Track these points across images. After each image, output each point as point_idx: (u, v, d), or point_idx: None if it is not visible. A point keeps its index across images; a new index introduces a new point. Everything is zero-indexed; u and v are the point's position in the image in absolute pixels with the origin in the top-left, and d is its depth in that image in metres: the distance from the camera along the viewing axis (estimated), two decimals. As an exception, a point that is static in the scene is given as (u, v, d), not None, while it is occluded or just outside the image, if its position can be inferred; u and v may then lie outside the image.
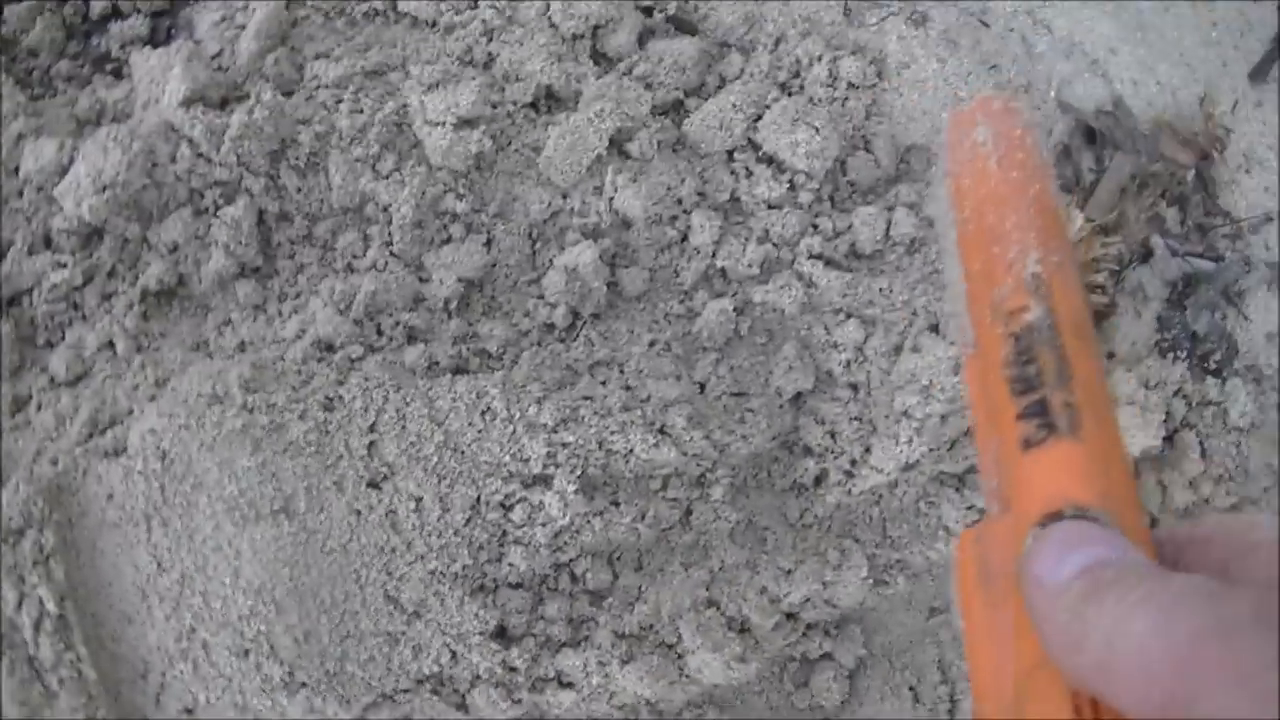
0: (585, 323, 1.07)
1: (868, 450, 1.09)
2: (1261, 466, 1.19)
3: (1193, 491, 1.15)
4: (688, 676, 1.05)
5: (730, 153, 1.10)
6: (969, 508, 1.11)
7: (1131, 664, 0.35)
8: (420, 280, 1.06)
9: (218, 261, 1.03)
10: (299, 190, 1.05)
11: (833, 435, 1.10)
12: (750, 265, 1.07)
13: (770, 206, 1.09)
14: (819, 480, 1.11)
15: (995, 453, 0.47)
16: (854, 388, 1.09)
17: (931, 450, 1.08)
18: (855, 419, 1.09)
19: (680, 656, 1.05)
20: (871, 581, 1.10)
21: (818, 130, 1.06)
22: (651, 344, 1.07)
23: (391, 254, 1.05)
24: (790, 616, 1.09)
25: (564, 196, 1.07)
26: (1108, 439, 0.46)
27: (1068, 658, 0.38)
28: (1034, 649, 0.41)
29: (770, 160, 1.09)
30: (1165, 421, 1.15)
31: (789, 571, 1.08)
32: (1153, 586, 0.37)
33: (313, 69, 1.08)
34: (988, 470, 0.47)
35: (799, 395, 1.10)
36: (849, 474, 1.10)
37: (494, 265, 1.07)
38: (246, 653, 0.95)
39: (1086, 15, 1.18)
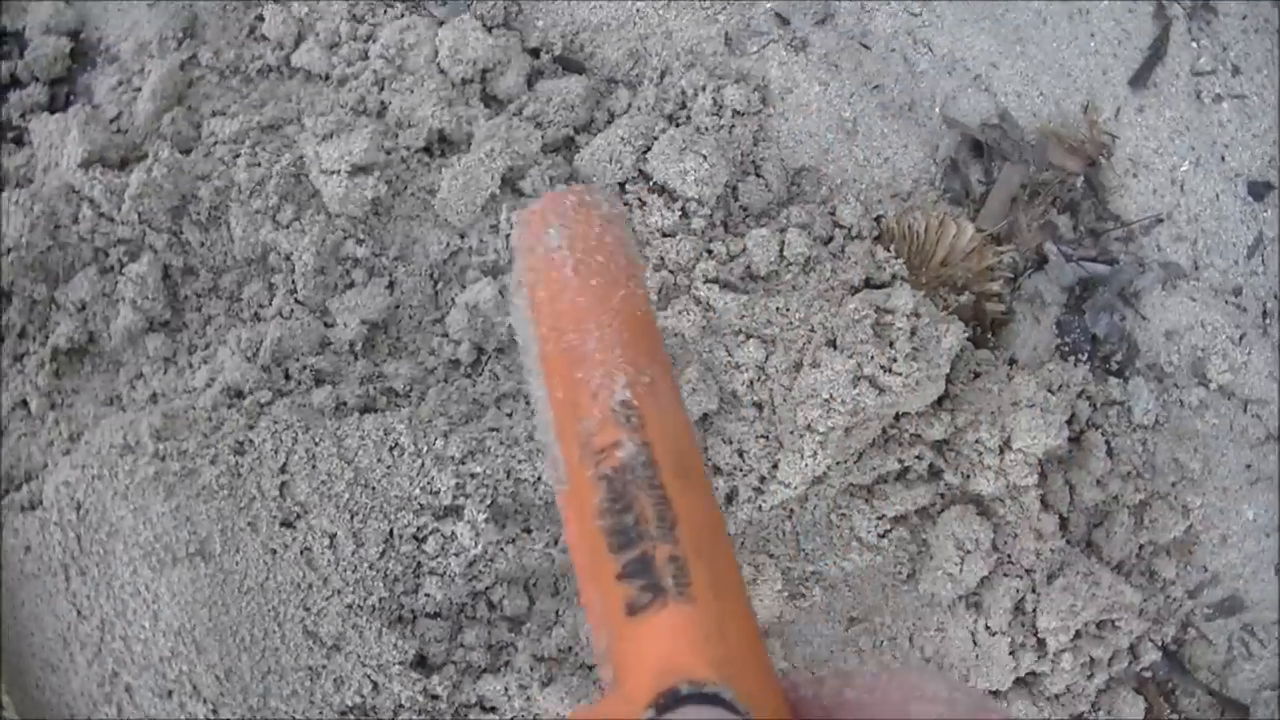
0: (490, 357, 1.20)
1: (775, 466, 1.22)
2: (1168, 461, 1.32)
3: (1100, 490, 1.29)
4: (608, 697, 1.17)
5: (622, 184, 1.23)
6: (879, 517, 1.24)
7: None
8: (326, 325, 1.19)
9: (126, 317, 1.16)
10: (202, 244, 1.18)
11: (740, 454, 1.22)
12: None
13: (664, 235, 1.22)
14: (730, 498, 1.24)
15: (599, 612, 0.44)
16: (758, 406, 1.22)
17: (838, 463, 1.21)
18: (761, 436, 1.22)
19: (599, 678, 1.17)
20: (787, 594, 1.22)
21: (705, 158, 1.20)
22: (556, 374, 1.20)
23: (296, 301, 1.18)
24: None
25: (462, 236, 1.21)
26: (724, 593, 0.43)
27: None
28: None
29: (661, 190, 1.23)
30: (1070, 423, 1.29)
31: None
32: None
33: (210, 126, 1.21)
34: (596, 628, 0.44)
35: (705, 416, 1.23)
36: (758, 490, 1.23)
37: (397, 307, 1.20)
38: (170, 693, 1.07)
39: (966, 33, 1.33)
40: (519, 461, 1.13)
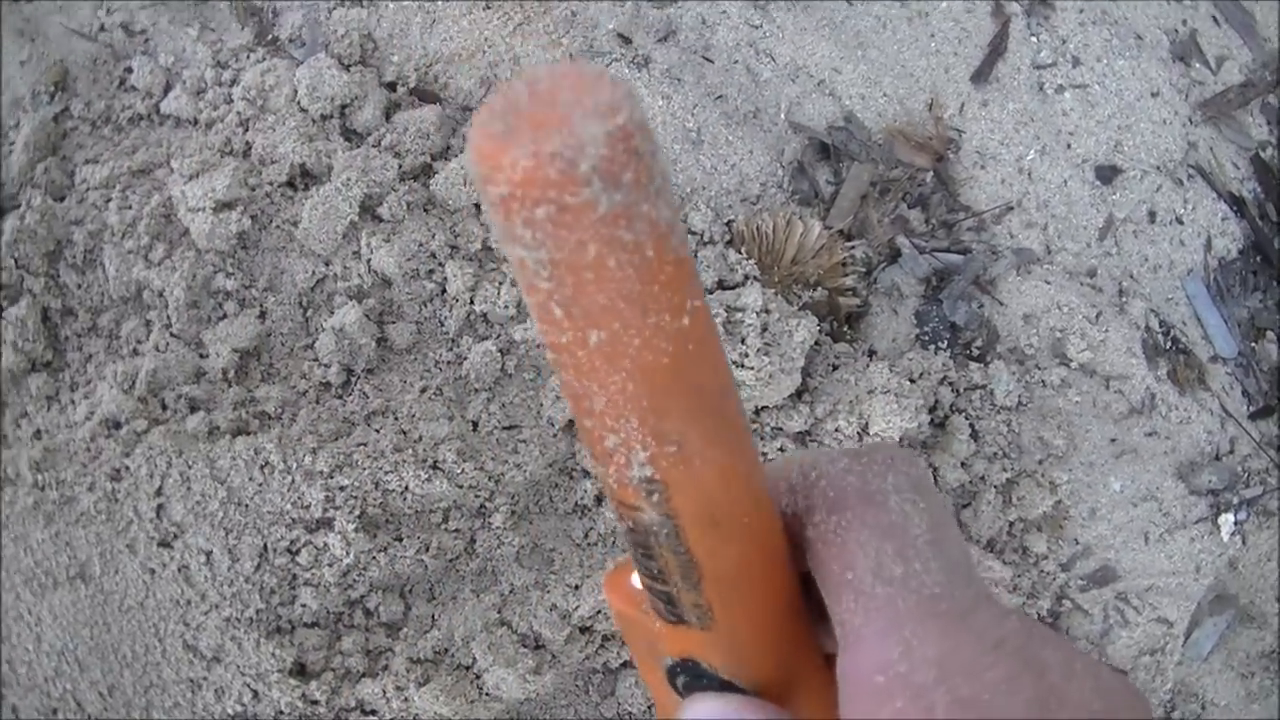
0: (359, 378, 1.29)
1: (640, 464, 1.29)
2: (1033, 440, 1.40)
3: (965, 471, 1.36)
4: (487, 694, 1.24)
5: (477, 205, 1.32)
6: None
7: None
8: (200, 355, 1.27)
9: (8, 359, 1.25)
10: (79, 286, 1.27)
11: (607, 455, 1.30)
12: (507, 307, 1.29)
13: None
14: (599, 499, 1.31)
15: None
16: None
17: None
18: (626, 437, 1.30)
19: (477, 676, 1.24)
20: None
21: (555, 174, 1.29)
22: (423, 390, 1.29)
23: (171, 334, 1.27)
24: (585, 630, 1.29)
25: (326, 264, 1.29)
26: (751, 624, 0.45)
27: None
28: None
29: (515, 207, 1.31)
30: (934, 409, 1.36)
31: (576, 587, 1.28)
32: None
33: (82, 174, 1.30)
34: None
35: (570, 422, 1.30)
36: (625, 489, 1.30)
37: (269, 334, 1.28)
38: (55, 711, 1.14)
39: (807, 41, 1.42)
40: (386, 473, 1.21)
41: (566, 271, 0.34)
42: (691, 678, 0.46)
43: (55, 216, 1.26)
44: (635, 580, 0.46)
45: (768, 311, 1.27)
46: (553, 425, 1.29)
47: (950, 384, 1.39)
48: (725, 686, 0.46)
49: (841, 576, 0.42)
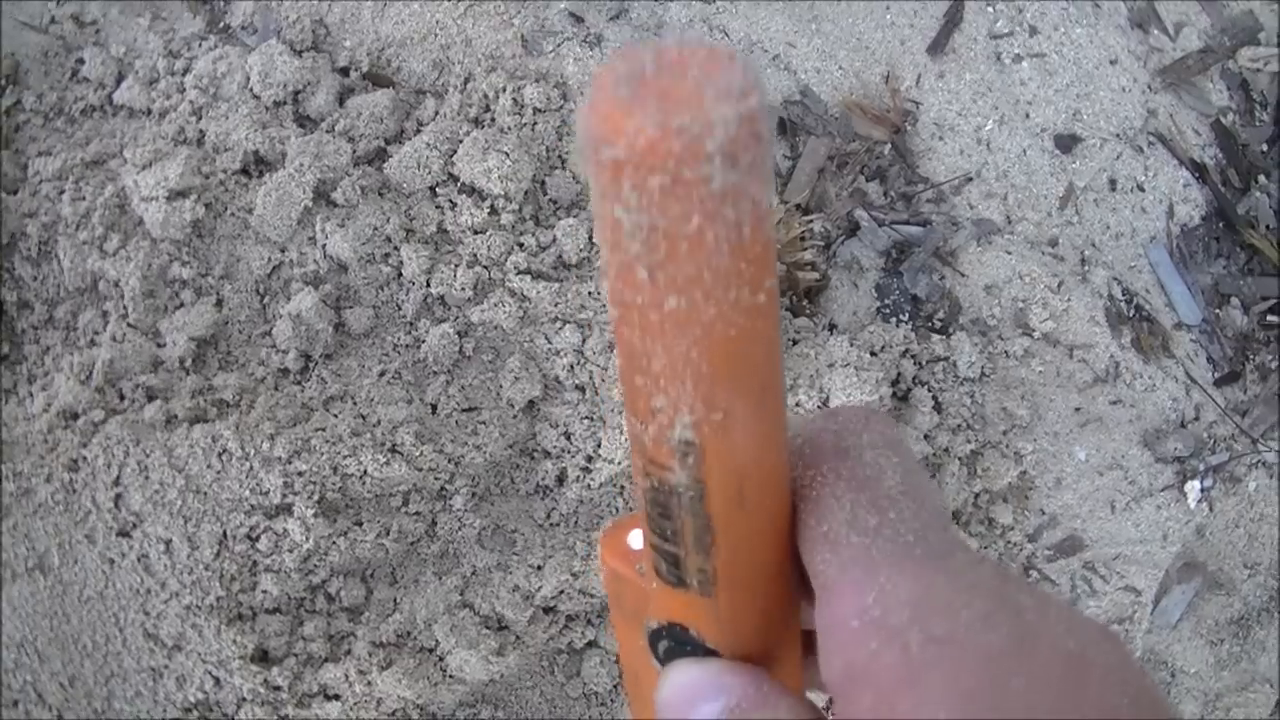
0: (317, 364, 1.29)
1: (599, 445, 1.30)
2: (997, 411, 1.40)
3: (929, 443, 1.36)
4: (451, 676, 1.25)
5: (432, 188, 1.32)
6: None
7: None
8: (157, 345, 1.28)
9: (-37, 353, 1.25)
10: (34, 278, 1.28)
11: (567, 435, 1.31)
12: (464, 289, 1.29)
13: (475, 232, 1.31)
14: (560, 479, 1.32)
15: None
16: (580, 389, 1.31)
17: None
18: (586, 418, 1.30)
19: (440, 658, 1.25)
20: (622, 566, 1.30)
21: (508, 155, 1.29)
22: (382, 374, 1.30)
23: (128, 325, 1.27)
24: (549, 611, 1.30)
25: (282, 250, 1.30)
26: (750, 603, 0.46)
27: None
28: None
29: (470, 189, 1.32)
30: (897, 382, 1.37)
31: (539, 567, 1.29)
32: None
33: (35, 166, 1.30)
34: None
35: (531, 403, 1.31)
36: (586, 469, 1.31)
37: (226, 323, 1.29)
38: (15, 703, 1.15)
39: (761, 15, 1.42)
40: (344, 457, 1.22)
41: (663, 238, 0.34)
42: (675, 644, 0.47)
43: (8, 210, 1.27)
44: (633, 539, 0.47)
45: (725, 288, 1.28)
46: (512, 406, 1.30)
47: (912, 357, 1.39)
48: (707, 654, 0.47)
49: (817, 530, 0.43)
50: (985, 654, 0.38)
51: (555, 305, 1.30)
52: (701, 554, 0.44)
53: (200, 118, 1.33)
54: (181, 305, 1.28)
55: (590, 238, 1.31)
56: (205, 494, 1.20)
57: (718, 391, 0.39)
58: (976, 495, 1.41)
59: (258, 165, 1.33)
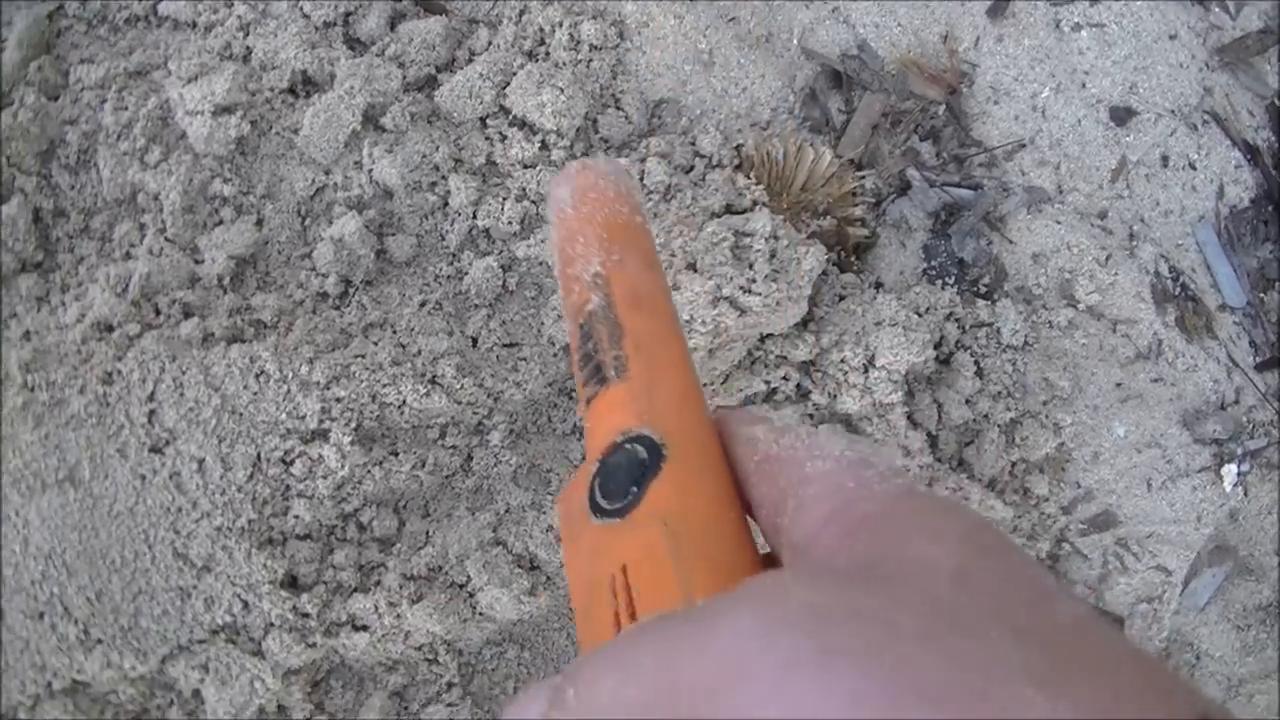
0: (357, 289, 1.28)
1: (641, 388, 1.29)
2: (1038, 381, 1.40)
3: (969, 409, 1.36)
4: (480, 614, 1.24)
5: (483, 119, 1.31)
6: (748, 438, 1.31)
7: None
8: (195, 261, 1.26)
9: (-3, 259, 1.23)
10: (72, 187, 1.26)
11: (608, 378, 1.30)
12: (510, 223, 1.28)
13: (525, 166, 1.30)
14: (598, 422, 1.31)
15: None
16: (623, 331, 1.29)
17: (705, 385, 1.29)
18: (628, 361, 1.29)
19: (471, 595, 1.24)
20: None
21: (563, 91, 1.28)
22: (423, 304, 1.28)
23: (166, 239, 1.25)
24: (581, 554, 1.28)
25: (326, 173, 1.28)
26: (655, 369, 0.59)
27: None
28: (595, 577, 0.52)
29: (521, 123, 1.30)
30: (939, 345, 1.36)
31: (574, 509, 1.28)
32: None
33: (77, 73, 1.28)
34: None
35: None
36: (625, 413, 1.30)
37: (266, 243, 1.27)
38: (41, 615, 1.13)
39: (823, -33, 1.41)
40: (383, 386, 1.20)
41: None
42: (608, 467, 0.56)
43: (49, 115, 1.25)
44: (581, 497, 0.56)
45: (776, 238, 1.27)
46: (553, 345, 1.29)
47: (956, 320, 1.38)
48: (636, 441, 0.55)
49: (784, 489, 0.49)
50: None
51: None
52: (615, 346, 0.61)
53: (248, 34, 1.31)
54: (221, 223, 1.26)
55: (641, 179, 1.30)
56: (241, 415, 1.19)
57: (613, 247, 0.66)
58: (1013, 464, 1.40)
59: (305, 85, 1.31)
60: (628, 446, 0.55)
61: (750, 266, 1.25)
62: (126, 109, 1.26)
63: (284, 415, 1.19)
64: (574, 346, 0.65)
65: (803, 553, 0.45)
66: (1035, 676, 0.35)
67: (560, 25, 1.33)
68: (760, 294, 1.24)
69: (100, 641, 1.14)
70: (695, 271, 1.26)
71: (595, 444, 0.58)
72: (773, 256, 1.26)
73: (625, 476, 0.54)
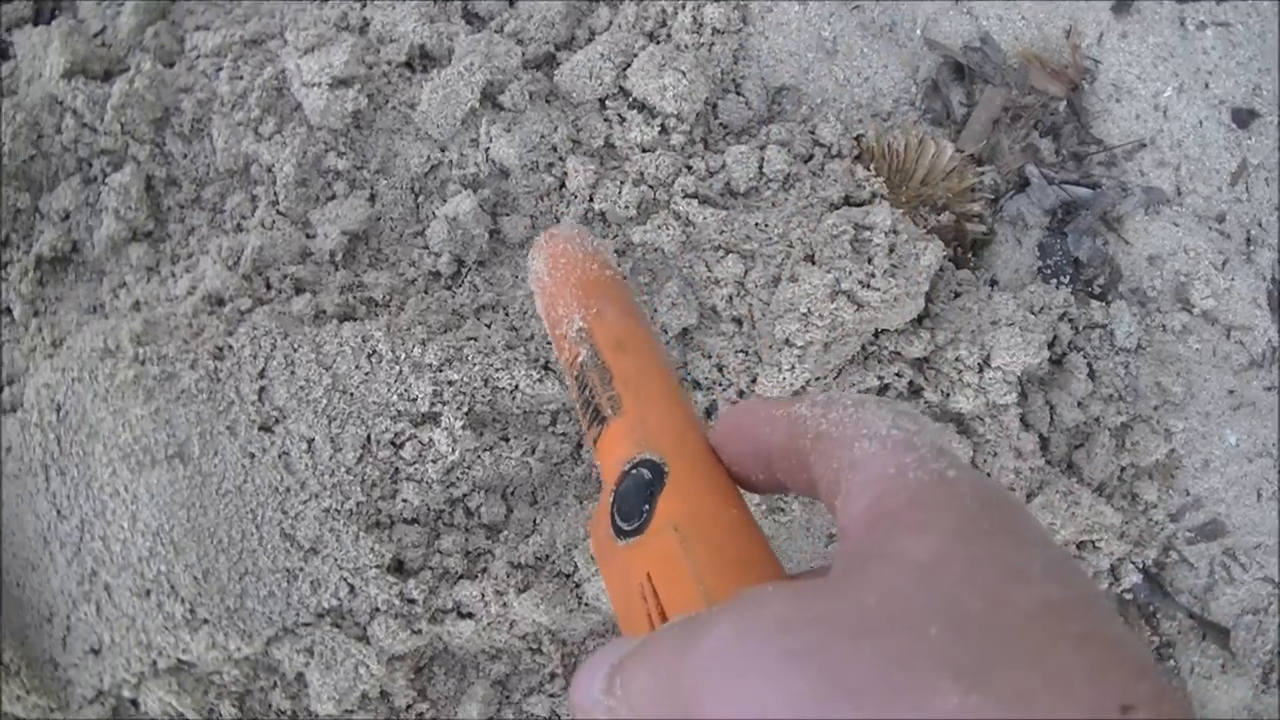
0: (470, 270, 1.23)
1: (754, 381, 1.24)
2: (1150, 385, 1.35)
3: (1081, 411, 1.31)
4: (586, 604, 1.20)
5: (602, 100, 1.26)
6: (858, 435, 1.26)
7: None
8: (307, 236, 1.22)
9: (109, 227, 1.19)
10: (185, 156, 1.22)
11: (720, 368, 1.25)
12: (628, 207, 1.23)
13: (644, 150, 1.25)
14: (709, 413, 1.27)
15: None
16: (737, 321, 1.25)
17: (817, 379, 1.24)
18: (741, 351, 1.25)
19: (577, 585, 1.20)
20: (766, 509, 1.25)
21: (685, 74, 1.23)
22: (535, 288, 1.24)
23: (278, 212, 1.22)
24: (687, 547, 1.24)
25: (442, 150, 1.24)
26: (645, 401, 0.66)
27: None
28: (629, 589, 0.56)
29: (641, 106, 1.26)
30: (1052, 345, 1.31)
31: (682, 502, 1.24)
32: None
33: (192, 40, 1.24)
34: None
35: (685, 331, 1.26)
36: (735, 404, 1.25)
37: (378, 219, 1.23)
38: (148, 592, 1.10)
39: (948, -44, 1.36)
40: (496, 370, 1.16)
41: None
42: (622, 492, 0.60)
43: (164, 83, 1.21)
44: (605, 525, 0.60)
45: (896, 232, 1.22)
46: (666, 332, 1.25)
47: (1070, 321, 1.34)
48: (641, 466, 0.60)
49: (837, 472, 0.49)
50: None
51: (720, 233, 1.24)
52: (608, 388, 0.68)
53: (365, 5, 1.27)
54: (334, 197, 1.22)
55: (760, 168, 1.25)
56: (352, 395, 1.15)
57: (590, 300, 0.77)
58: (1123, 469, 1.36)
59: (422, 59, 1.27)
60: (634, 472, 0.60)
61: (869, 261, 1.21)
62: (242, 78, 1.22)
63: (395, 397, 1.15)
64: (574, 397, 0.74)
65: (839, 542, 0.47)
66: (957, 668, 0.36)
67: (683, 7, 1.28)
68: (879, 289, 1.19)
69: (206, 621, 1.11)
70: (814, 264, 1.22)
71: (608, 477, 0.63)
72: (892, 251, 1.22)
73: (636, 498, 0.59)
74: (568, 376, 0.76)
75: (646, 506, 0.58)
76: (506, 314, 1.22)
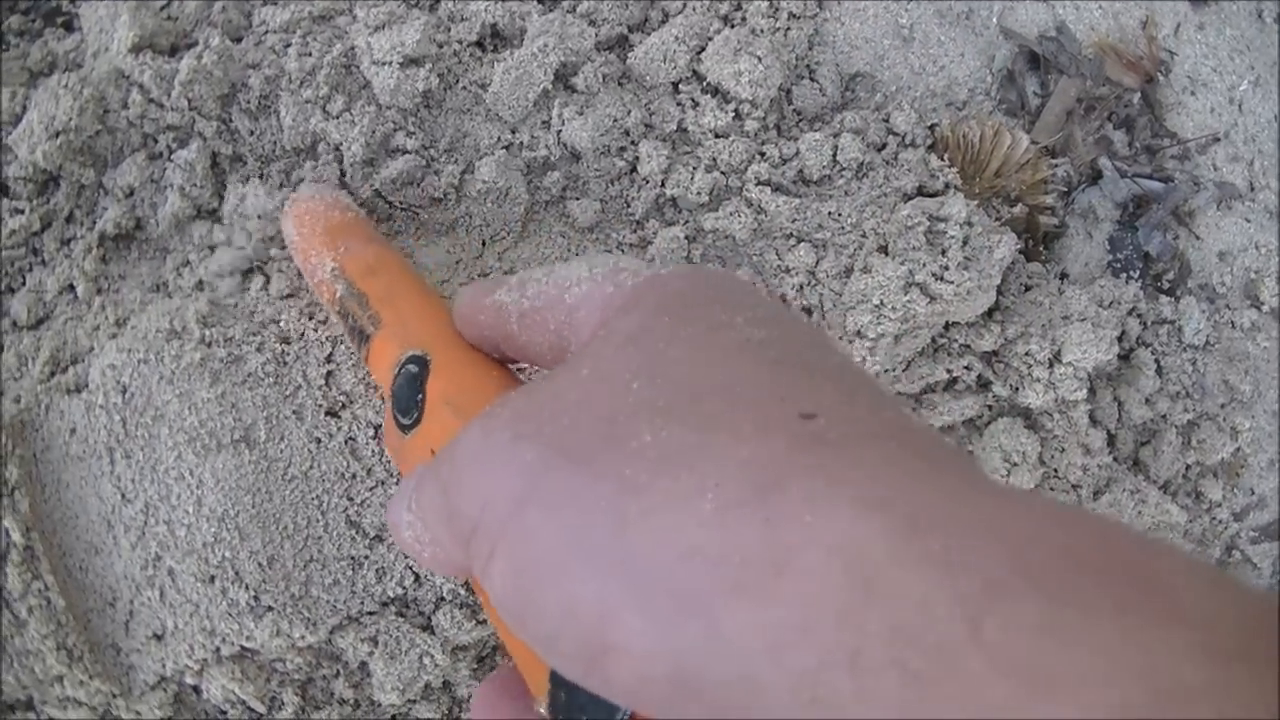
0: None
1: (822, 373, 1.16)
2: (1217, 383, 1.27)
3: (1149, 408, 1.23)
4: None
5: (675, 84, 1.18)
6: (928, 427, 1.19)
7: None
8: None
9: (174, 204, 1.11)
10: (251, 133, 1.13)
11: (788, 360, 1.17)
12: (700, 193, 1.15)
13: (717, 135, 1.17)
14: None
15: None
16: (808, 310, 1.17)
17: (887, 370, 1.16)
18: (809, 343, 1.17)
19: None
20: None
21: (760, 60, 1.15)
22: (604, 274, 1.15)
23: (346, 192, 1.13)
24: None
25: (513, 131, 1.15)
26: (404, 310, 0.71)
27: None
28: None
29: (715, 90, 1.17)
30: (1120, 340, 1.23)
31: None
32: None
33: (260, 15, 1.16)
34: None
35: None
36: (805, 396, 1.17)
37: (446, 202, 1.15)
38: (212, 579, 1.02)
39: (1025, -57, 1.27)
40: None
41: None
42: (395, 391, 0.66)
43: (231, 58, 1.12)
44: (392, 429, 0.67)
45: (970, 224, 1.14)
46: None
47: (1139, 316, 1.26)
48: (410, 362, 0.65)
49: (557, 329, 0.52)
50: None
51: (792, 221, 1.16)
52: (366, 308, 0.73)
53: (436, -17, 1.18)
54: (402, 178, 1.14)
55: (834, 156, 1.17)
56: (420, 381, 1.07)
57: (336, 242, 0.85)
58: (1188, 467, 1.28)
59: (493, 39, 1.18)
60: (402, 370, 0.63)
61: (944, 253, 1.13)
62: (310, 55, 1.14)
63: (464, 384, 1.07)
64: (344, 331, 0.80)
65: None
66: (653, 409, 0.39)
67: (759, -9, 1.20)
68: (953, 282, 1.12)
69: (270, 609, 1.03)
70: (887, 255, 1.14)
71: (385, 385, 0.67)
72: (966, 243, 1.14)
73: (409, 390, 0.61)
74: (332, 314, 0.82)
75: (420, 396, 0.61)
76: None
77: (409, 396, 0.61)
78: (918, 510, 0.34)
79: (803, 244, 1.15)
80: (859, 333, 1.13)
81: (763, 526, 0.34)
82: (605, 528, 0.37)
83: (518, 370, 0.66)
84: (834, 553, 0.33)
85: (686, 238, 1.15)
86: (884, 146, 1.19)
